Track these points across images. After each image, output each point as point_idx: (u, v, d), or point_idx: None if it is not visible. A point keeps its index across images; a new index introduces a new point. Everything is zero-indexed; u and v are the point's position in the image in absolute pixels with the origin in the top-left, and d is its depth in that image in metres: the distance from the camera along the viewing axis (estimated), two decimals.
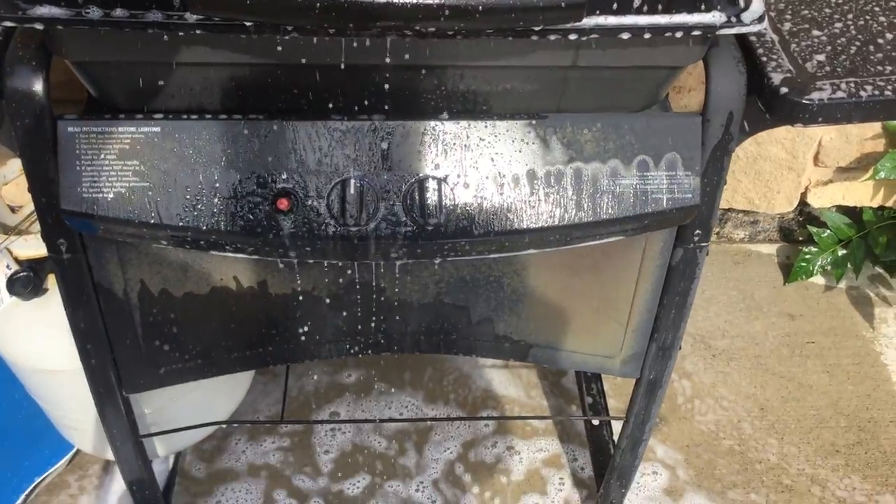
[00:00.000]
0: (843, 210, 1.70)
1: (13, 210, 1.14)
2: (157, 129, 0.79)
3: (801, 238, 1.80)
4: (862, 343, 1.63)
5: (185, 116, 0.79)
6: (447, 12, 0.62)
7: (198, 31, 0.68)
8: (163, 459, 1.37)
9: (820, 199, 1.70)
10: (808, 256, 1.69)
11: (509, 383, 1.55)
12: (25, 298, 1.04)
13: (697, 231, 0.91)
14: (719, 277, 1.75)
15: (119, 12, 0.68)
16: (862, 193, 1.68)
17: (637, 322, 1.02)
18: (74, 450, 1.38)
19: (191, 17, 0.67)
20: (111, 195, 0.79)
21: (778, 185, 1.65)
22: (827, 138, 1.57)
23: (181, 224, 0.80)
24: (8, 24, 0.69)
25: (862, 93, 0.78)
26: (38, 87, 0.77)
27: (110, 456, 1.19)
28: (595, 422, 1.47)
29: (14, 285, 1.02)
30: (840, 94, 0.78)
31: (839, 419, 1.50)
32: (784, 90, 0.78)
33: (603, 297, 1.01)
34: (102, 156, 0.79)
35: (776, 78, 0.79)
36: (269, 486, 1.38)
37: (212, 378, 1.04)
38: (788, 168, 1.62)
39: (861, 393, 1.55)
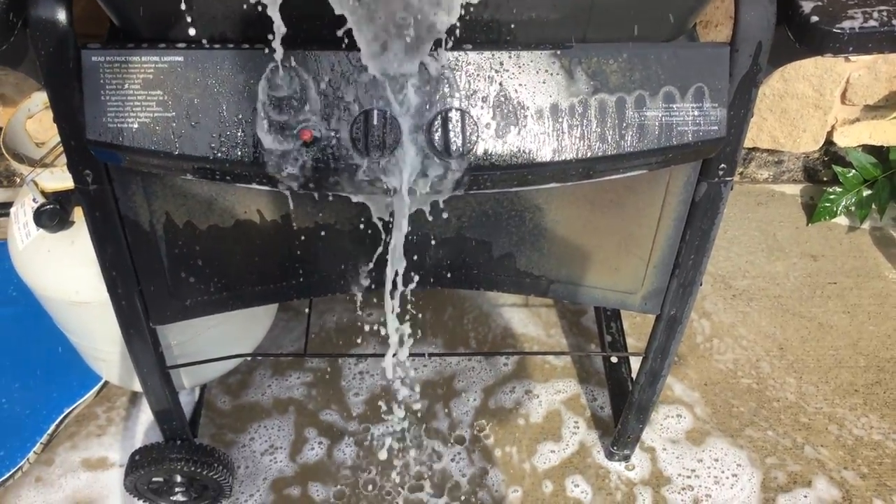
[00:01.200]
0: (870, 150, 1.68)
1: (37, 145, 1.15)
2: (181, 58, 0.79)
3: (825, 178, 1.78)
4: (884, 284, 1.62)
5: (208, 46, 0.79)
6: None
7: None
8: (189, 392, 1.40)
9: (846, 139, 1.67)
10: (832, 197, 1.68)
11: (528, 322, 1.56)
12: (53, 231, 1.05)
13: (722, 165, 0.90)
14: (742, 218, 1.74)
15: None
16: (890, 132, 1.65)
17: (659, 258, 1.02)
18: (102, 381, 1.41)
19: None
20: (136, 125, 0.80)
21: (804, 123, 1.63)
22: (855, 75, 1.55)
23: (204, 155, 0.81)
24: None
25: (894, 21, 0.77)
26: (61, 15, 0.76)
27: (137, 388, 1.22)
28: (614, 359, 1.48)
29: (41, 218, 1.03)
30: (872, 22, 0.76)
31: (858, 359, 1.51)
32: (814, 18, 0.77)
33: (625, 232, 1.01)
34: (126, 85, 0.79)
35: (806, 6, 0.78)
36: (298, 420, 1.40)
37: (236, 312, 1.06)
38: (815, 106, 1.59)
39: (881, 333, 1.54)
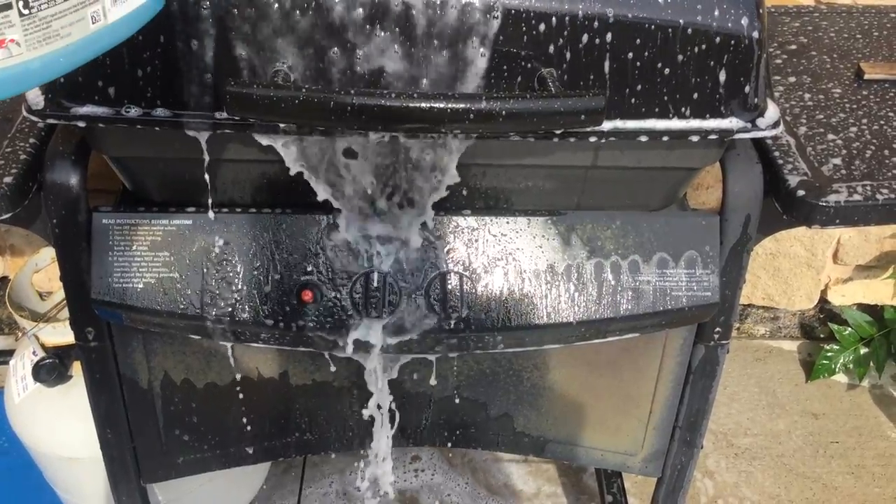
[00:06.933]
0: (864, 308, 1.69)
1: (42, 297, 1.16)
2: (189, 221, 0.81)
3: (822, 335, 1.79)
4: (887, 444, 1.60)
5: (215, 210, 0.82)
6: (472, 116, 0.64)
7: (230, 130, 0.71)
8: None
9: (840, 297, 1.69)
10: (829, 354, 1.68)
11: (529, 478, 1.53)
12: (50, 385, 1.05)
13: (717, 329, 0.91)
14: (741, 374, 1.73)
15: (159, 111, 0.71)
16: (883, 292, 1.67)
17: (658, 419, 1.01)
18: None
19: (221, 115, 0.70)
20: (140, 285, 0.81)
21: (797, 282, 1.65)
22: (846, 237, 1.58)
23: (207, 314, 0.82)
24: (52, 121, 0.72)
25: (878, 196, 0.79)
26: (75, 180, 0.79)
27: None
28: None
29: (40, 372, 1.03)
30: (857, 196, 0.79)
31: None
32: (801, 192, 0.79)
33: (623, 393, 1.01)
34: (134, 247, 0.81)
35: (792, 180, 0.81)
36: None
37: (228, 469, 1.04)
38: (807, 265, 1.62)
39: (888, 496, 1.51)
